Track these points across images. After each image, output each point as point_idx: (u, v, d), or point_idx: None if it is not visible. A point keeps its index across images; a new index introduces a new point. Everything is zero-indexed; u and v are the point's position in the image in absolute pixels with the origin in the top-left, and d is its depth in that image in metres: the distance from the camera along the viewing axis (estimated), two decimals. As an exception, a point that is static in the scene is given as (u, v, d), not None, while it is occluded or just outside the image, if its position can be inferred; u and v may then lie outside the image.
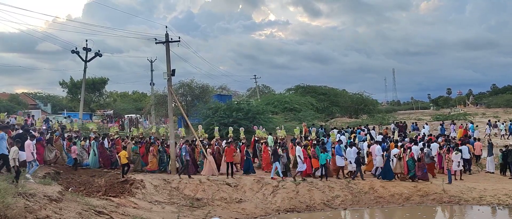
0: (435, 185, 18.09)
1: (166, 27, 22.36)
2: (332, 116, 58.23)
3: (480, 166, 22.03)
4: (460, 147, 20.39)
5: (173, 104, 23.82)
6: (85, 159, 21.00)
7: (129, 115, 47.81)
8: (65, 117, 36.74)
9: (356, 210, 16.83)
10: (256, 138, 24.05)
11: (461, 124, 36.27)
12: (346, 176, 19.54)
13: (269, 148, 21.48)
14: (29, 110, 38.77)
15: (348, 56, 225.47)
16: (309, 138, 24.64)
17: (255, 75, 63.40)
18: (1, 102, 38.97)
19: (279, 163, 19.22)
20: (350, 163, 19.64)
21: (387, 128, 36.01)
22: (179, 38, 22.31)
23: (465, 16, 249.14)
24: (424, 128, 34.91)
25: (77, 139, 21.96)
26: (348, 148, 20.13)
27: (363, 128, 30.53)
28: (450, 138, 26.41)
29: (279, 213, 16.52)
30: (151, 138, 23.62)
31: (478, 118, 50.16)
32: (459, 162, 19.62)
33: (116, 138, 23.31)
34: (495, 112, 60.78)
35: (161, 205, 15.47)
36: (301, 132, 26.62)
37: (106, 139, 22.06)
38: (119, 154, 19.58)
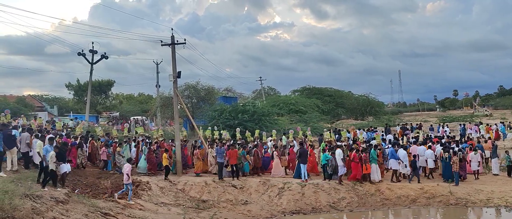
0: (442, 187, 17.98)
1: (172, 29, 22.47)
2: (338, 118, 58.14)
3: (488, 168, 21.87)
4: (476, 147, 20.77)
5: (178, 106, 23.87)
6: (121, 164, 20.74)
7: (135, 117, 47.97)
8: (71, 119, 36.90)
9: (362, 212, 16.76)
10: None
11: (488, 125, 35.69)
12: (398, 179, 19.27)
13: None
14: (36, 112, 38.94)
15: (354, 58, 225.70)
16: (357, 141, 24.08)
17: (260, 77, 63.47)
18: (8, 105, 39.12)
19: (305, 164, 19.11)
20: (405, 166, 19.39)
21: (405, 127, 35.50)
22: (185, 40, 22.38)
23: (472, 18, 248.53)
24: (444, 129, 34.12)
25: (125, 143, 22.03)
26: (400, 150, 19.64)
27: (374, 130, 30.45)
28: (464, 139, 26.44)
29: (284, 215, 16.48)
30: (197, 141, 23.76)
31: (484, 120, 49.81)
32: (479, 162, 20.19)
33: (161, 140, 23.45)
34: (502, 113, 60.46)
35: (167, 206, 15.49)
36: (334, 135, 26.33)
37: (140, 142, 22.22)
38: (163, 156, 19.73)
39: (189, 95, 36.81)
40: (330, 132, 26.62)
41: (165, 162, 19.23)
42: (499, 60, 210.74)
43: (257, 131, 25.94)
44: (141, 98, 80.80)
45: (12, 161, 15.38)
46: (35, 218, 9.65)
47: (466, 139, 26.38)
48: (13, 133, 16.31)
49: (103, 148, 20.77)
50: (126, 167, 15.38)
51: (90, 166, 20.85)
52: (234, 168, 19.21)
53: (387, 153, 20.09)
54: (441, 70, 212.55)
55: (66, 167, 14.39)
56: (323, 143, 23.20)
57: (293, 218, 16.37)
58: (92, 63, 35.50)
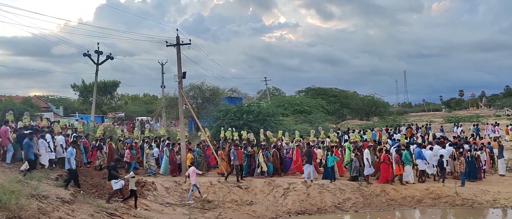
0: (448, 187, 17.88)
1: (177, 30, 22.52)
2: (343, 118, 57.97)
3: (494, 169, 21.76)
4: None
5: (184, 107, 23.90)
6: (153, 166, 20.60)
7: (140, 118, 48.12)
8: (76, 120, 36.98)
9: (368, 213, 16.72)
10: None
11: (507, 126, 35.35)
12: (423, 180, 19.22)
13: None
14: (42, 113, 39.10)
15: (359, 58, 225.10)
16: (382, 142, 23.92)
17: (265, 77, 63.46)
18: (14, 105, 39.34)
19: (311, 165, 19.12)
20: (433, 166, 19.43)
21: (410, 127, 35.22)
22: (190, 41, 22.42)
23: (478, 18, 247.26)
24: (458, 128, 33.79)
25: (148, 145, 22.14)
26: (426, 151, 19.64)
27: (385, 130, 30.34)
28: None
29: (290, 215, 16.46)
30: (220, 142, 23.80)
31: (491, 120, 49.53)
32: (485, 161, 20.45)
33: (186, 141, 23.50)
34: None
35: (172, 207, 15.51)
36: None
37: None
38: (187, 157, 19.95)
39: (194, 95, 36.83)
40: (336, 133, 26.52)
41: (188, 163, 19.40)
42: (505, 60, 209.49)
43: (280, 132, 25.93)
44: (146, 98, 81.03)
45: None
46: (41, 218, 9.69)
47: (478, 139, 26.21)
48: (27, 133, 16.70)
49: (128, 150, 20.73)
50: (192, 170, 16.48)
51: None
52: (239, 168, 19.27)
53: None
54: (447, 70, 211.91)
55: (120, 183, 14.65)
56: (348, 143, 23.16)
57: (298, 218, 16.36)
58: (97, 64, 35.61)
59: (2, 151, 17.02)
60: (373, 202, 17.31)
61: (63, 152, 18.13)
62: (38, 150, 16.53)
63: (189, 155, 19.66)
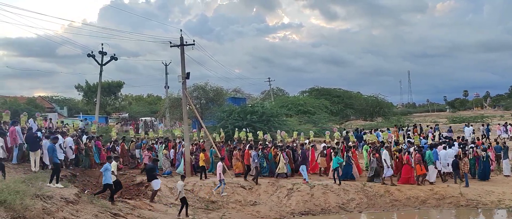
0: (452, 188, 17.82)
1: (181, 30, 22.53)
2: (346, 118, 57.93)
3: (499, 170, 21.64)
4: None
5: (187, 107, 23.93)
6: (167, 167, 20.85)
7: (144, 118, 48.20)
8: (81, 120, 37.11)
9: (372, 213, 16.68)
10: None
11: None
12: (445, 178, 19.35)
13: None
14: (46, 113, 39.25)
15: (363, 59, 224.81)
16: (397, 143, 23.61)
17: (269, 78, 63.45)
18: (19, 105, 39.52)
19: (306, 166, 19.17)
20: (448, 165, 19.41)
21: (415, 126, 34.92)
22: (194, 41, 22.44)
23: (482, 17, 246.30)
24: (469, 128, 33.30)
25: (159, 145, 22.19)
26: (443, 151, 19.64)
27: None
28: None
29: (293, 216, 16.46)
30: (234, 142, 23.84)
31: (496, 120, 49.34)
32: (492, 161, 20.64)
33: (202, 142, 23.65)
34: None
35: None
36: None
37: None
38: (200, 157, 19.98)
39: (197, 96, 36.83)
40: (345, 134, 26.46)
41: (201, 163, 19.50)
42: (510, 60, 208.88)
43: (295, 133, 25.91)
44: (150, 99, 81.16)
45: (35, 162, 15.90)
46: (45, 218, 9.73)
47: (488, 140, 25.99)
48: (39, 135, 17.05)
49: (146, 151, 20.86)
50: (219, 166, 17.26)
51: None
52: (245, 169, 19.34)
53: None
54: (451, 70, 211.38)
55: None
56: (365, 146, 23.07)
57: (302, 219, 16.35)
58: (101, 65, 35.68)
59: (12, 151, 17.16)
60: (377, 202, 17.27)
61: (72, 153, 18.38)
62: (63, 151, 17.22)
63: (202, 155, 19.69)
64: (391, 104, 69.65)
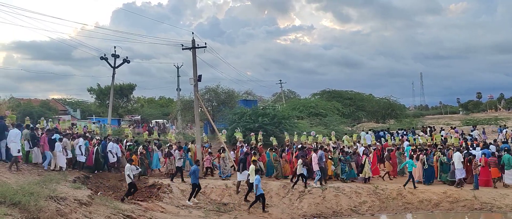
0: (466, 191, 17.62)
1: (193, 33, 22.65)
2: (358, 121, 57.56)
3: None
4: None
5: (199, 109, 24.01)
6: (228, 170, 20.94)
7: (156, 120, 48.47)
8: (93, 122, 37.44)
9: (384, 217, 16.57)
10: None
11: None
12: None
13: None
14: (59, 116, 39.70)
15: (375, 60, 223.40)
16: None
17: (280, 80, 63.36)
18: (33, 108, 40.04)
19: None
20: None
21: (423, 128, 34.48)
22: (205, 44, 22.54)
23: (496, 19, 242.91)
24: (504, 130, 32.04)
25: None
26: (455, 153, 19.22)
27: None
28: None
29: (305, 218, 16.40)
30: (281, 145, 23.88)
31: (510, 122, 48.67)
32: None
33: (260, 145, 23.67)
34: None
35: (188, 209, 15.59)
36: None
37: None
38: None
39: (209, 98, 36.99)
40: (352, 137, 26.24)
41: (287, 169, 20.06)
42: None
43: (320, 136, 25.81)
44: (162, 101, 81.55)
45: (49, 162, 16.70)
46: (59, 219, 9.84)
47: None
48: (53, 137, 17.51)
49: (208, 155, 21.34)
50: (252, 168, 16.80)
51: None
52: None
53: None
54: (464, 72, 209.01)
55: None
56: (407, 148, 22.55)
57: (313, 221, 16.29)
58: (114, 67, 35.95)
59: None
60: (390, 205, 17.15)
61: (82, 154, 18.60)
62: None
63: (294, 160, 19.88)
64: (403, 106, 68.89)
